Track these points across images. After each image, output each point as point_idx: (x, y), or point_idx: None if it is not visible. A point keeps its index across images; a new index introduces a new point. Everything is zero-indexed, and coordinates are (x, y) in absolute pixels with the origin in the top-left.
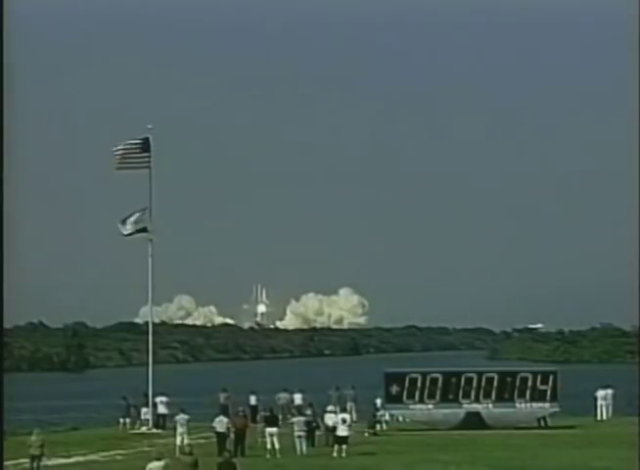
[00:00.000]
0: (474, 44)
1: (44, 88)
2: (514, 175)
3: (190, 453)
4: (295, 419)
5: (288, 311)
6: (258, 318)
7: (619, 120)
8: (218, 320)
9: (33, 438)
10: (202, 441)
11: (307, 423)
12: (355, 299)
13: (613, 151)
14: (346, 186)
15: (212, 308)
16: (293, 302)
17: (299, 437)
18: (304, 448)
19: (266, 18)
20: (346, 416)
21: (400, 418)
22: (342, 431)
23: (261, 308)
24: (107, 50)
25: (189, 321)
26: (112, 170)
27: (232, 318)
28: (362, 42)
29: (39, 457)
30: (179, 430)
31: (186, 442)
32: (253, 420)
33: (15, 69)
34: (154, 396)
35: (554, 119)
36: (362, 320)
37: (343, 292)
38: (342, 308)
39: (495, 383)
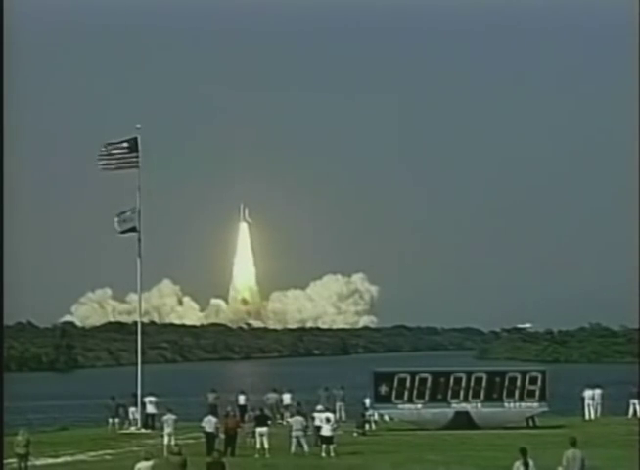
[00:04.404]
0: (474, 45)
1: (37, 88)
2: (508, 175)
3: (179, 453)
4: (292, 419)
5: (270, 307)
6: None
7: (620, 123)
8: (199, 316)
9: (19, 437)
10: (191, 441)
11: (302, 423)
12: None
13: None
14: (341, 184)
15: (194, 304)
16: (277, 297)
17: (297, 437)
18: (303, 448)
19: (263, 15)
20: (330, 416)
21: (386, 418)
22: (325, 431)
23: (248, 305)
24: (101, 50)
25: (176, 320)
26: (103, 170)
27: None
28: (365, 46)
29: (25, 457)
30: (166, 430)
31: (174, 442)
32: (242, 420)
33: (13, 68)
34: (142, 395)
35: (555, 121)
36: (350, 316)
37: (332, 285)
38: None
39: (484, 383)
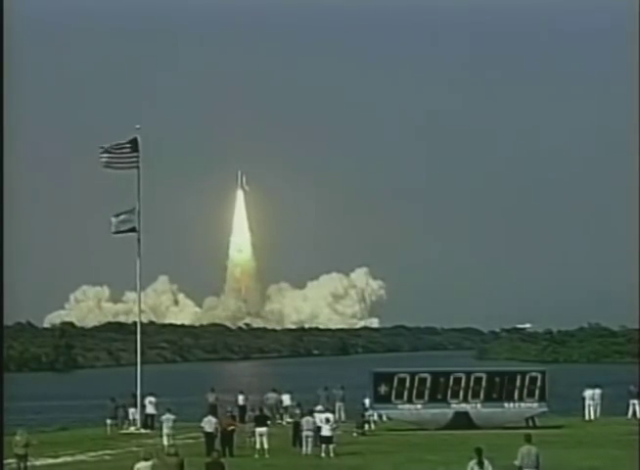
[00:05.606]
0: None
1: (37, 88)
2: (507, 176)
3: (175, 454)
4: (304, 419)
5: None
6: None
7: (620, 124)
8: (197, 312)
9: (18, 437)
10: (190, 441)
11: (314, 423)
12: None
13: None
14: (339, 182)
15: (189, 301)
16: (275, 297)
17: (307, 437)
18: (310, 449)
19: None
20: (329, 416)
21: (384, 418)
22: (325, 431)
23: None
24: (99, 50)
25: (176, 321)
26: (101, 171)
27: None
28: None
29: (24, 457)
30: (165, 430)
31: (172, 442)
32: (241, 420)
33: (13, 69)
34: (142, 396)
35: (554, 123)
36: (349, 317)
37: (329, 284)
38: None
39: (484, 383)
